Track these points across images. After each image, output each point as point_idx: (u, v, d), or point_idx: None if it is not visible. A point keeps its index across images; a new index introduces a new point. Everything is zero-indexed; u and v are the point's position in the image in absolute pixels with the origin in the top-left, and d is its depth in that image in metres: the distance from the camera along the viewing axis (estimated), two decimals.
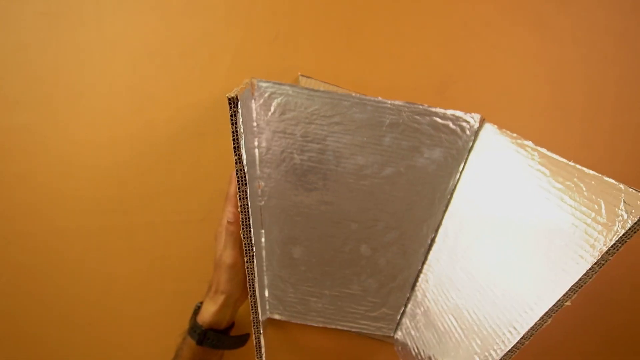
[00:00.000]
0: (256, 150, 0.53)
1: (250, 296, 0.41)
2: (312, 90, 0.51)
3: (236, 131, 0.36)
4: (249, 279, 0.40)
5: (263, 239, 0.57)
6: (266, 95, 0.51)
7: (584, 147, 0.57)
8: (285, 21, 0.55)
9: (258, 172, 0.54)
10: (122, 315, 0.61)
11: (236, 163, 0.37)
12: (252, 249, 0.39)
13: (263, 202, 0.55)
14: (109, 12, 0.54)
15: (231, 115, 0.35)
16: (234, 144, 0.36)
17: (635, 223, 0.32)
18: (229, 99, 0.35)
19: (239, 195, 0.38)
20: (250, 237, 0.39)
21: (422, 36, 0.55)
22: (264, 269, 0.58)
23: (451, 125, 0.52)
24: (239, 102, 0.35)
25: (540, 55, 0.56)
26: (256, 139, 0.53)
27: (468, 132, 0.52)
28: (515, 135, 0.47)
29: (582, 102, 0.57)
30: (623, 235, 0.32)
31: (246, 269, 0.40)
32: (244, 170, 0.37)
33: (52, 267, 0.60)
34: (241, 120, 0.36)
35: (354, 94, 0.52)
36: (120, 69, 0.55)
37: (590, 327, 0.63)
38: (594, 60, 0.56)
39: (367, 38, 0.55)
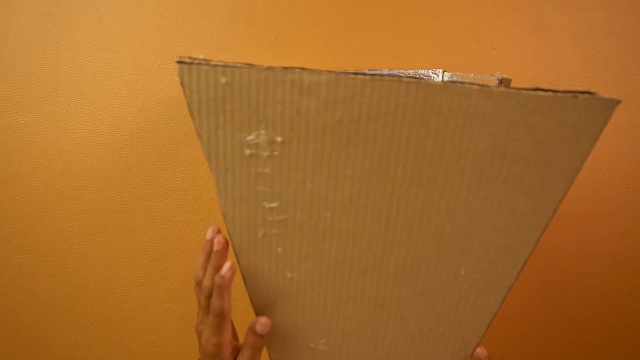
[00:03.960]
0: None
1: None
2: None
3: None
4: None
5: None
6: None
7: None
8: (285, 21, 0.55)
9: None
10: (123, 315, 0.61)
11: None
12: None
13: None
14: (109, 12, 0.54)
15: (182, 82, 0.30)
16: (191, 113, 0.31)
17: None
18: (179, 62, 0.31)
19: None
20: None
21: (422, 36, 0.55)
22: None
23: None
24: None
25: (540, 55, 0.56)
26: None
27: None
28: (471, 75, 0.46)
29: None
30: None
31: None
32: None
33: (53, 267, 0.60)
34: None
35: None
36: (120, 69, 0.55)
37: (591, 327, 0.64)
38: (593, 60, 0.56)
39: (366, 38, 0.55)
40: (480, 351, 0.37)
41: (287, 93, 0.26)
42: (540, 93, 0.25)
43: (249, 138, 0.27)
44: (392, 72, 0.53)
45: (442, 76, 0.52)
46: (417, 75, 0.52)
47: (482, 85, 0.25)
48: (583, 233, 0.60)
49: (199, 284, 0.36)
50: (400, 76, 0.25)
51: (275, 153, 0.28)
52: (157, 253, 0.60)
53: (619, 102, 0.24)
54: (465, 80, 0.45)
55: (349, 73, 0.25)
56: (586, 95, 0.24)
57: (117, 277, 0.60)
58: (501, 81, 0.33)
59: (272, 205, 0.30)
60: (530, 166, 0.27)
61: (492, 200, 0.29)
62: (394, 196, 0.29)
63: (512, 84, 0.56)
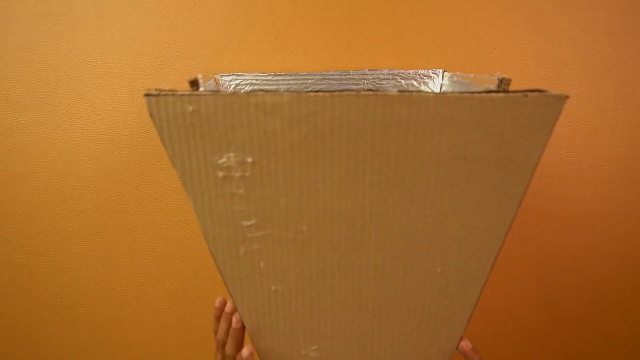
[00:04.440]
0: None
1: None
2: (276, 74, 0.52)
3: None
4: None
5: None
6: (231, 88, 0.52)
7: (583, 147, 0.57)
8: (285, 21, 0.55)
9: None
10: (123, 315, 0.61)
11: None
12: None
13: None
14: (109, 12, 0.54)
15: None
16: None
17: None
18: (191, 82, 0.35)
19: None
20: None
21: (422, 36, 0.55)
22: None
23: (415, 83, 0.53)
24: (200, 82, 0.35)
25: (540, 55, 0.56)
26: None
27: (433, 88, 0.52)
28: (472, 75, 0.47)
29: (581, 102, 0.57)
30: None
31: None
32: None
33: (53, 267, 0.60)
34: None
35: (316, 72, 0.52)
36: (120, 69, 0.55)
37: (586, 325, 0.64)
38: (593, 60, 0.56)
39: (366, 38, 0.55)
40: (464, 344, 0.39)
41: (252, 115, 0.27)
42: (493, 95, 0.26)
43: (220, 161, 0.28)
44: (392, 72, 0.53)
45: (442, 76, 0.53)
46: (417, 76, 0.52)
47: (439, 93, 0.26)
48: (583, 233, 0.60)
49: (220, 349, 0.41)
50: (359, 92, 0.26)
51: (247, 173, 0.29)
52: (157, 253, 0.60)
53: (567, 97, 0.25)
54: (460, 81, 0.45)
55: (311, 91, 0.26)
56: (536, 94, 0.25)
57: (117, 277, 0.60)
58: (501, 81, 0.33)
59: (250, 222, 0.31)
60: (491, 165, 0.28)
61: (458, 200, 0.30)
62: (365, 204, 0.30)
63: (513, 84, 0.56)
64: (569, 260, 0.61)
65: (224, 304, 0.41)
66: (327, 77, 0.53)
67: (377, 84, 0.53)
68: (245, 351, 0.39)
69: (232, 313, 0.40)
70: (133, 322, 0.62)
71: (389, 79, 0.53)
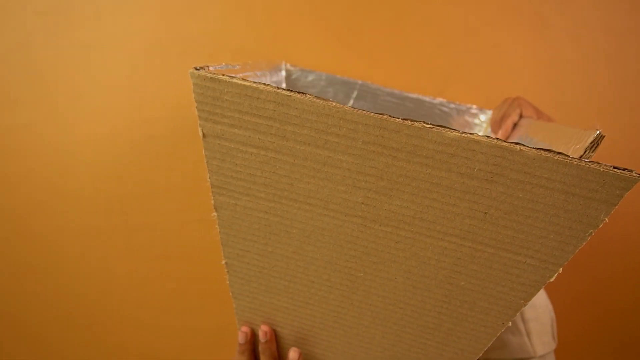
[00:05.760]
0: None
1: None
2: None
3: None
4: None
5: None
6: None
7: None
8: (285, 21, 0.55)
9: None
10: (123, 315, 0.61)
11: None
12: None
13: None
14: (109, 11, 0.54)
15: None
16: None
17: None
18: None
19: None
20: None
21: (423, 35, 0.55)
22: None
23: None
24: None
25: (540, 55, 0.56)
26: None
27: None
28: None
29: (581, 102, 0.56)
30: None
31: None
32: None
33: (53, 266, 0.60)
34: None
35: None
36: (120, 69, 0.55)
37: (593, 329, 0.64)
38: (594, 60, 0.56)
39: (368, 37, 0.55)
40: None
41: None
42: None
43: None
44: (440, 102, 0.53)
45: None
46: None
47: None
48: None
49: None
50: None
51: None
52: (156, 253, 0.60)
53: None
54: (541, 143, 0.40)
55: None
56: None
57: (117, 277, 0.60)
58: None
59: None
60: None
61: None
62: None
63: (513, 83, 0.56)
64: (569, 261, 0.61)
65: (252, 335, 0.37)
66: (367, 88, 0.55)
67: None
68: (292, 353, 0.36)
69: (272, 339, 0.37)
70: (133, 322, 0.62)
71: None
